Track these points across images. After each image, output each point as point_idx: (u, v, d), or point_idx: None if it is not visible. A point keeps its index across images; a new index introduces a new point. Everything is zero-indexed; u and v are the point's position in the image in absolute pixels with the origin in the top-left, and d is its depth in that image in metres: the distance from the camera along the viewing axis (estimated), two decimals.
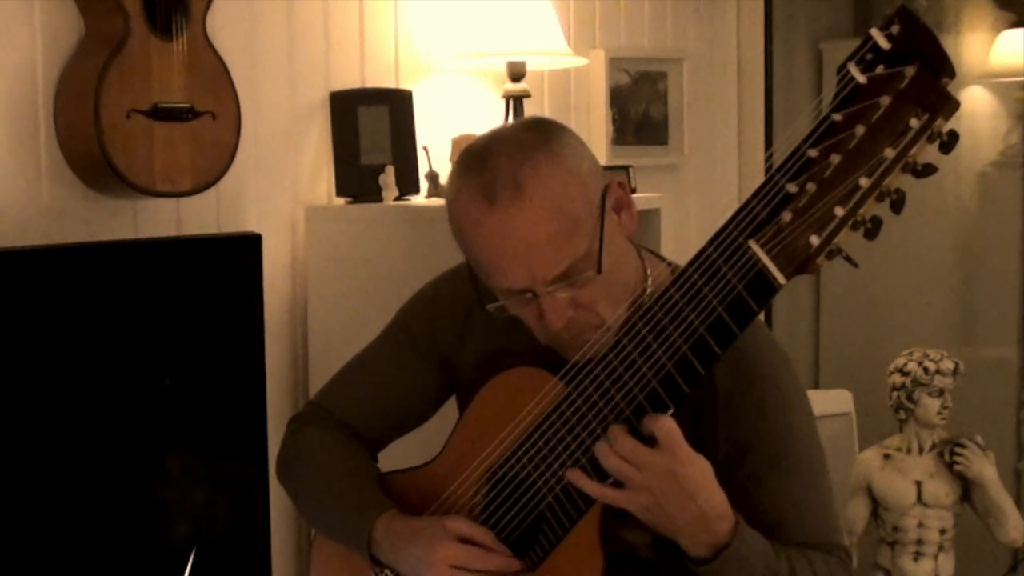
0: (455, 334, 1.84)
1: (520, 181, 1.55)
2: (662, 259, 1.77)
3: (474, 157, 1.62)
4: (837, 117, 1.33)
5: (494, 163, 1.58)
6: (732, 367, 1.60)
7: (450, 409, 1.89)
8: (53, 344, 2.27)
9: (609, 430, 1.52)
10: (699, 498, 1.50)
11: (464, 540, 1.64)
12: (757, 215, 1.40)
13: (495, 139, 1.64)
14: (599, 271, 1.58)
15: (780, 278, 1.40)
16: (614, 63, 3.57)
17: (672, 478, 1.48)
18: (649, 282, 1.68)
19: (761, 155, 3.90)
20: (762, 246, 1.40)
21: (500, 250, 1.57)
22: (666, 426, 1.49)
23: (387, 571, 1.76)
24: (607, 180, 1.65)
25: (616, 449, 1.50)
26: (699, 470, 1.51)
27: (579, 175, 1.60)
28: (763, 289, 1.41)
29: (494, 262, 1.58)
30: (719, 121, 3.98)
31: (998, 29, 4.44)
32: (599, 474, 1.54)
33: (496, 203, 1.55)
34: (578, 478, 1.55)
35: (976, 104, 4.45)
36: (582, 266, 1.57)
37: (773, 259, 1.39)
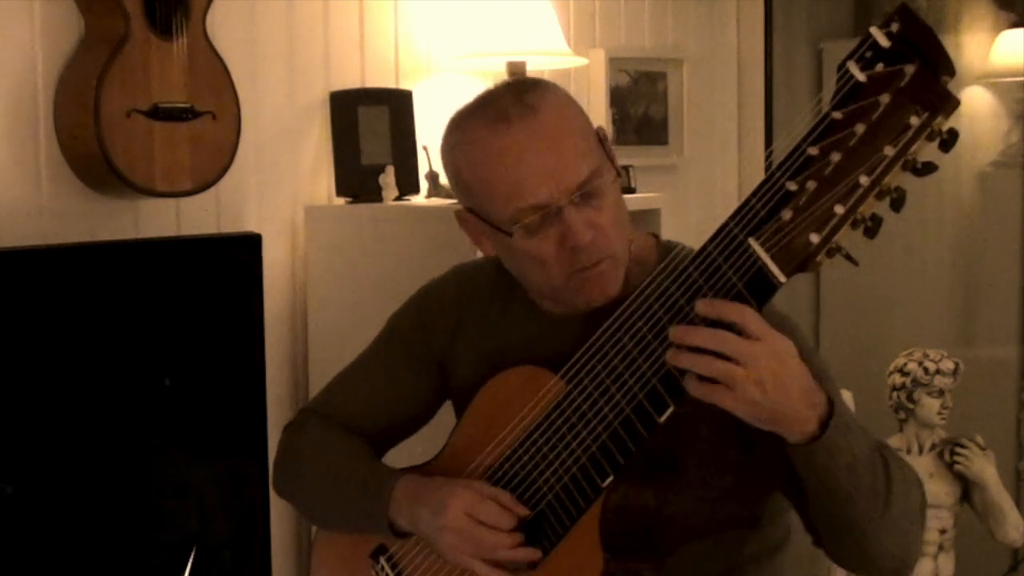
0: (448, 336, 1.84)
1: (529, 101, 1.61)
2: (650, 234, 1.80)
3: (474, 104, 1.68)
4: (837, 115, 1.33)
5: (497, 98, 1.65)
6: None
7: (447, 413, 1.89)
8: (53, 344, 2.27)
9: (696, 334, 1.44)
10: (796, 372, 1.45)
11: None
12: (757, 213, 1.40)
13: (486, 92, 1.71)
14: (618, 174, 1.64)
15: (780, 276, 1.40)
16: (614, 63, 3.57)
17: (776, 361, 1.43)
18: (633, 245, 1.70)
19: (761, 155, 3.91)
20: (762, 244, 1.40)
21: (523, 166, 1.59)
22: (751, 314, 1.43)
23: (386, 568, 1.76)
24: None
25: (724, 350, 1.43)
26: (789, 346, 1.46)
27: (576, 104, 1.68)
28: (763, 287, 1.41)
29: (517, 180, 1.60)
30: (719, 121, 3.98)
31: (998, 29, 4.44)
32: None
33: (512, 123, 1.60)
34: (692, 383, 1.46)
35: (976, 104, 4.45)
36: (598, 175, 1.61)
37: (773, 257, 1.39)
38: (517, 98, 1.62)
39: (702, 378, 1.44)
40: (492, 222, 1.66)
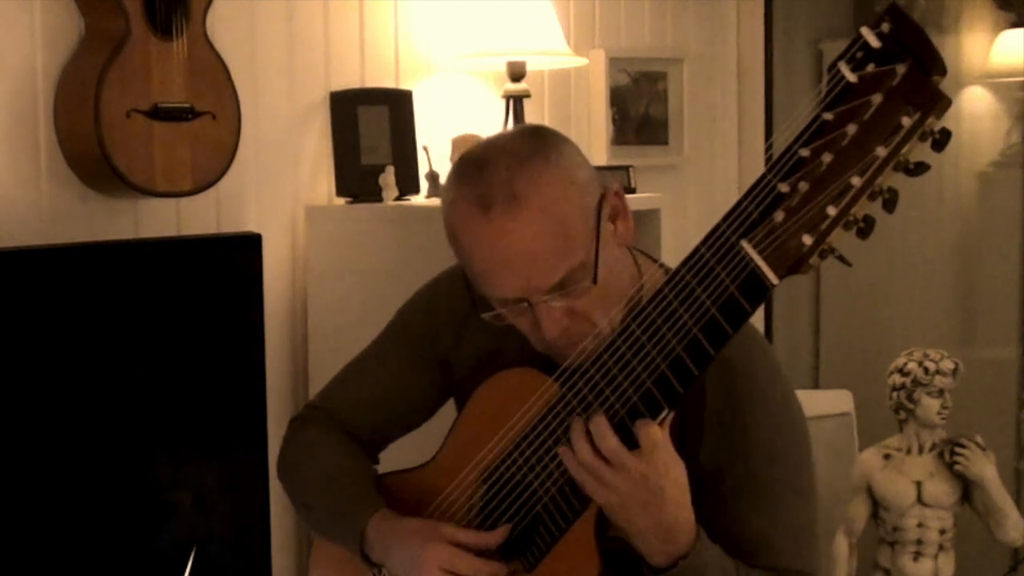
0: (452, 334, 1.84)
1: (516, 191, 1.54)
2: (655, 261, 1.77)
3: (470, 165, 1.61)
4: (828, 116, 1.33)
5: (490, 172, 1.57)
6: (723, 382, 1.60)
7: (449, 408, 1.89)
8: (53, 344, 2.27)
9: (593, 421, 1.50)
10: (665, 510, 1.50)
11: (457, 545, 1.64)
12: (749, 215, 1.39)
13: (491, 147, 1.63)
14: (595, 281, 1.57)
15: (773, 278, 1.39)
16: (614, 63, 3.57)
17: (643, 485, 1.48)
18: (644, 280, 1.67)
19: (761, 155, 3.90)
20: (754, 246, 1.39)
21: (495, 260, 1.56)
22: (651, 434, 1.48)
23: (384, 572, 1.76)
24: (603, 189, 1.63)
25: (598, 444, 1.49)
26: (673, 483, 1.50)
27: (576, 184, 1.59)
28: (756, 289, 1.41)
29: (489, 272, 1.58)
30: (719, 121, 3.98)
31: (998, 29, 4.43)
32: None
33: (492, 213, 1.54)
34: (566, 456, 1.53)
35: (976, 104, 4.44)
36: (578, 276, 1.56)
37: (766, 259, 1.39)
38: (508, 179, 1.55)
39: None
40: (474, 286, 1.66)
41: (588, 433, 1.50)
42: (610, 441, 1.48)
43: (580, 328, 1.59)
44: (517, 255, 1.54)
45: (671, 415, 1.51)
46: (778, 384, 1.69)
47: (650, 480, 1.48)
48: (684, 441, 1.56)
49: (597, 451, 1.49)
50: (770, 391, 1.67)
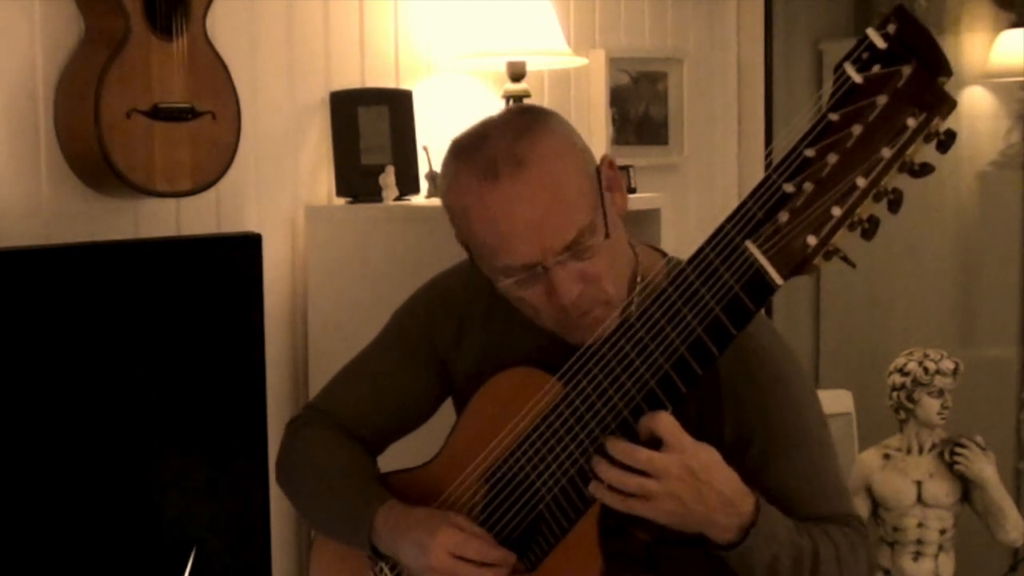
0: (452, 335, 1.84)
1: (520, 155, 1.56)
2: (655, 249, 1.78)
3: (468, 142, 1.63)
4: (834, 117, 1.33)
5: (491, 143, 1.59)
6: (733, 351, 1.60)
7: (449, 408, 1.89)
8: (53, 344, 2.27)
9: (612, 446, 1.51)
10: (718, 484, 1.50)
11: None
12: (754, 215, 1.40)
13: (486, 125, 1.65)
14: (607, 235, 1.59)
15: (777, 279, 1.40)
16: (614, 63, 3.57)
17: (690, 475, 1.48)
18: (639, 265, 1.69)
19: (761, 155, 3.91)
20: (759, 247, 1.40)
21: (508, 225, 1.57)
22: (666, 422, 1.49)
23: (385, 570, 1.76)
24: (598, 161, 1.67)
25: (633, 464, 1.49)
26: (709, 456, 1.51)
27: (575, 149, 1.62)
28: (760, 289, 1.41)
29: (502, 239, 1.58)
30: (719, 121, 3.99)
31: (998, 29, 4.44)
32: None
33: (499, 178, 1.56)
34: (602, 494, 1.53)
35: (976, 104, 4.45)
36: (588, 234, 1.58)
37: (770, 260, 1.39)
38: (510, 147, 1.57)
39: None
40: (482, 267, 1.67)
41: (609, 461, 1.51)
42: (641, 453, 1.49)
43: (593, 294, 1.60)
44: (529, 219, 1.56)
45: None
46: (784, 347, 1.71)
47: (694, 466, 1.49)
48: (705, 423, 1.57)
49: (628, 470, 1.50)
50: (779, 352, 1.69)
